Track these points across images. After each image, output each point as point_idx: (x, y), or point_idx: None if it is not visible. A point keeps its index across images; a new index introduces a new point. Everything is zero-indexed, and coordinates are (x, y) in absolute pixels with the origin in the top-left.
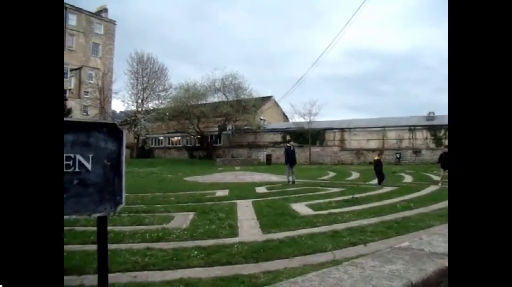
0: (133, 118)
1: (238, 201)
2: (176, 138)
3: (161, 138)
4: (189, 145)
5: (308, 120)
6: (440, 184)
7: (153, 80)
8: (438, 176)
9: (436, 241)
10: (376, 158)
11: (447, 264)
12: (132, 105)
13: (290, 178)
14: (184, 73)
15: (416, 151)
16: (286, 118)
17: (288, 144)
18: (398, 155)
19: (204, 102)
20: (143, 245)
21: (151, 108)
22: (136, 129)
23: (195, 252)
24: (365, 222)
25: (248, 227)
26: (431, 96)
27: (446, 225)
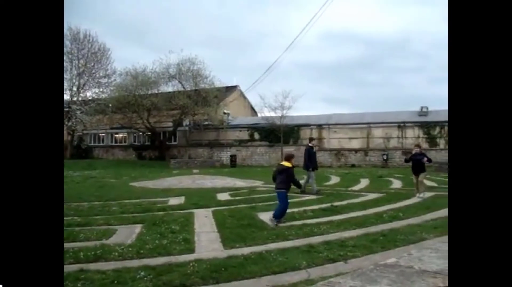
0: (66, 109)
1: (196, 211)
2: (121, 135)
3: (103, 134)
4: (137, 143)
5: (280, 115)
6: (418, 194)
7: (92, 64)
8: (431, 180)
9: (427, 257)
10: None
11: (440, 284)
12: (65, 93)
13: (315, 187)
14: (131, 56)
15: (407, 152)
16: (254, 112)
17: (310, 144)
18: (385, 157)
19: (156, 91)
20: (75, 267)
21: (90, 98)
22: (70, 124)
23: (142, 273)
24: (345, 234)
25: (207, 241)
26: (424, 88)
27: (441, 239)
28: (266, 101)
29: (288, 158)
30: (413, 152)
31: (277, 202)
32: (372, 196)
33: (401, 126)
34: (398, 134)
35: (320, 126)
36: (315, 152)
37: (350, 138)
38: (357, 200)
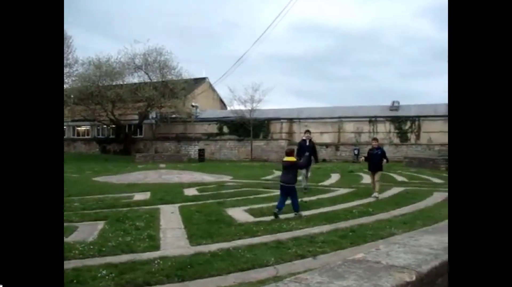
0: None
1: (162, 206)
2: (83, 128)
3: (64, 127)
4: (101, 136)
5: (250, 108)
6: (375, 194)
7: None
8: (401, 176)
9: (395, 252)
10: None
11: (407, 279)
12: None
13: (304, 183)
14: (95, 46)
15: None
16: (223, 105)
17: (304, 137)
18: (356, 151)
19: (121, 83)
20: None
21: None
22: None
23: (104, 272)
24: (315, 230)
25: (173, 238)
26: (395, 82)
27: (408, 234)
28: (236, 94)
29: (291, 153)
30: (371, 146)
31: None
32: (342, 191)
33: (373, 120)
34: (369, 129)
35: (290, 120)
36: (311, 145)
37: (321, 133)
38: (327, 195)
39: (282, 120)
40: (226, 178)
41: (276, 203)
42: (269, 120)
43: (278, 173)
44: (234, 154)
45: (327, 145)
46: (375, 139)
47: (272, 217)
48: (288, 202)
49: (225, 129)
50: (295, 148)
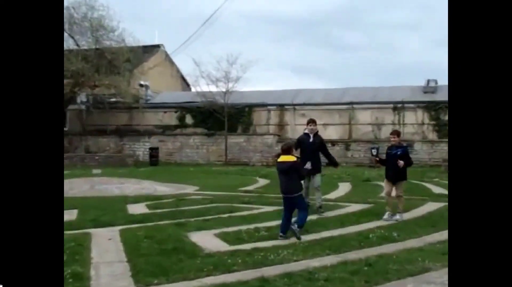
0: None
1: (95, 231)
2: None
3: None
4: None
5: (224, 90)
6: (389, 214)
7: None
8: (439, 186)
9: None
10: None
11: None
12: None
13: (319, 201)
14: None
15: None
16: (186, 85)
17: (306, 129)
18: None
19: None
20: None
21: None
22: None
23: None
24: (315, 263)
25: (111, 277)
26: (429, 53)
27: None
28: (204, 69)
29: (288, 150)
30: (390, 144)
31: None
32: (354, 207)
33: (398, 107)
34: (393, 119)
35: (282, 107)
36: (318, 142)
37: (325, 125)
38: (333, 214)
39: (269, 107)
40: (189, 190)
41: (260, 225)
42: (252, 107)
43: (264, 181)
44: (202, 155)
45: (333, 143)
46: (396, 133)
47: (254, 245)
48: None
49: (189, 120)
50: (293, 143)
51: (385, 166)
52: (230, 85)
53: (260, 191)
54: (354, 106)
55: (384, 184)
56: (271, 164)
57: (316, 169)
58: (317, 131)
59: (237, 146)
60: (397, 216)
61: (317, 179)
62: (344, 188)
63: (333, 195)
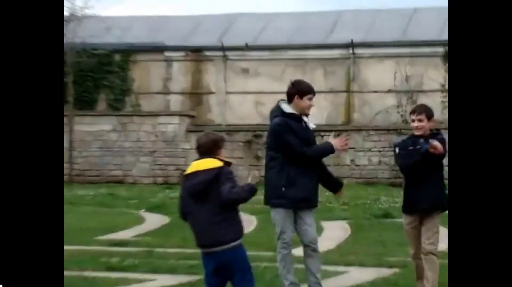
0: None
1: None
2: None
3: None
4: None
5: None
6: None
7: None
8: None
9: None
10: None
11: None
12: None
13: (313, 281)
14: None
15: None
16: None
17: (284, 104)
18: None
19: None
20: None
21: None
22: None
23: None
24: None
25: None
26: None
27: None
28: None
29: (213, 146)
30: (411, 133)
31: None
32: (358, 276)
33: (436, 56)
34: (425, 75)
35: (198, 52)
36: (305, 127)
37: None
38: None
39: (170, 53)
40: None
41: None
42: (129, 53)
43: (158, 219)
44: None
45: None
46: (423, 112)
47: None
48: None
49: None
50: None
51: (408, 179)
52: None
53: (149, 241)
54: (358, 51)
55: (403, 223)
56: (175, 181)
57: (313, 197)
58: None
59: (96, 141)
60: None
61: (313, 223)
62: (335, 232)
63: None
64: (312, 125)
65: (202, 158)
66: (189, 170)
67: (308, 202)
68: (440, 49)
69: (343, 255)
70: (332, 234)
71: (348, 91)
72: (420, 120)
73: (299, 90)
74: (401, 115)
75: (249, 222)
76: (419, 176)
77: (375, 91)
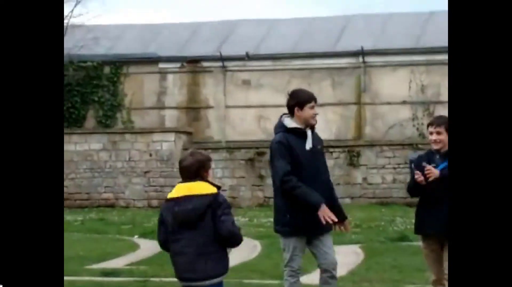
0: None
1: None
2: None
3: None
4: None
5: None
6: None
7: None
8: None
9: None
10: None
11: None
12: None
13: None
14: None
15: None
16: None
17: (287, 119)
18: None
19: None
20: None
21: None
22: None
23: None
24: None
25: None
26: None
27: None
28: None
29: (200, 167)
30: (429, 149)
31: None
32: None
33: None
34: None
35: (195, 63)
36: (320, 148)
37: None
38: None
39: (165, 64)
40: None
41: None
42: (121, 65)
43: (152, 246)
44: None
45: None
46: (441, 124)
47: None
48: None
49: None
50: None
51: (421, 198)
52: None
53: (143, 270)
54: (369, 59)
55: (422, 248)
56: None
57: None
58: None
59: (84, 161)
60: None
61: (332, 246)
62: (347, 257)
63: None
64: (310, 142)
65: (188, 181)
66: (177, 193)
67: (317, 228)
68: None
69: (356, 283)
70: (344, 259)
71: (358, 103)
72: (438, 133)
73: (298, 101)
74: (417, 129)
75: (253, 247)
76: (430, 197)
77: (388, 103)
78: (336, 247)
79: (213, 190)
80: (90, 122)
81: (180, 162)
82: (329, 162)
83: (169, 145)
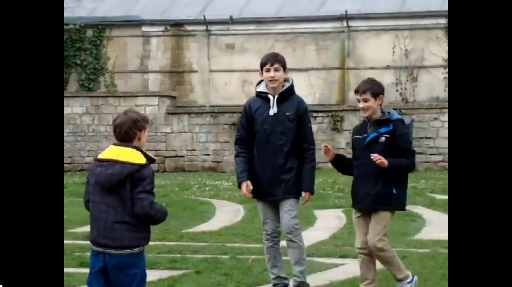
0: None
1: None
2: None
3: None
4: None
5: None
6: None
7: None
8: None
9: None
10: None
11: None
12: None
13: (298, 273)
14: None
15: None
16: None
17: (259, 84)
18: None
19: None
20: None
21: None
22: None
23: None
24: None
25: None
26: None
27: None
28: None
29: (132, 126)
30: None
31: None
32: (354, 269)
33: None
34: (439, 51)
35: (178, 27)
36: (291, 114)
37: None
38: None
39: (147, 28)
40: None
41: None
42: (103, 28)
43: None
44: None
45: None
46: (369, 89)
47: None
48: None
49: None
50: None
51: (345, 170)
52: None
53: None
54: (353, 23)
55: (353, 219)
56: (155, 168)
57: (286, 184)
58: (291, 87)
59: (67, 125)
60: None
61: (291, 210)
62: (330, 222)
63: (306, 239)
64: (273, 108)
65: (121, 143)
66: (105, 155)
67: (268, 195)
68: (443, 21)
69: (338, 246)
70: (326, 223)
71: (342, 67)
72: (365, 100)
73: (260, 65)
74: (401, 94)
75: (236, 211)
76: (362, 170)
77: (372, 68)
78: (319, 211)
79: (142, 160)
80: (73, 85)
81: (114, 120)
82: (313, 127)
83: (153, 109)
